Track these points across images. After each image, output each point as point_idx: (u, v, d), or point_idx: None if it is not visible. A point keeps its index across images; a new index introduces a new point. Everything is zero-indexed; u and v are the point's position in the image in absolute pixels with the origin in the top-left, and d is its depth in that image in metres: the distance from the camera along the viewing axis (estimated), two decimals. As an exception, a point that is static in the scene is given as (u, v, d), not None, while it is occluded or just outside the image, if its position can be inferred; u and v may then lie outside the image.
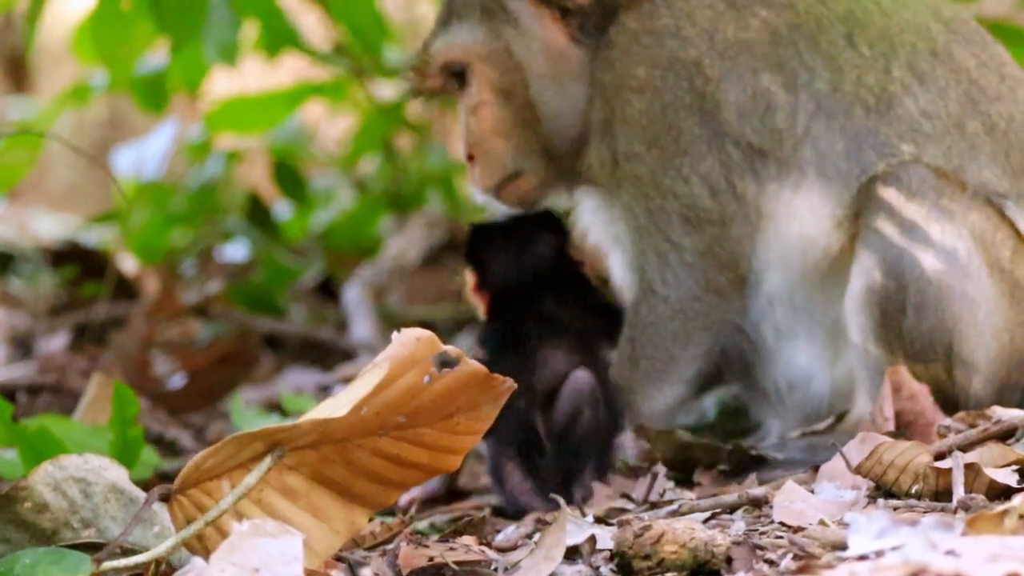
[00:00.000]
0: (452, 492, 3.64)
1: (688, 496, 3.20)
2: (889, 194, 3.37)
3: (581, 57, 3.52)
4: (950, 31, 3.51)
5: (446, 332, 5.09)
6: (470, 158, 3.58)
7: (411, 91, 3.68)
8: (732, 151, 3.44)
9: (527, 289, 3.61)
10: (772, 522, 2.87)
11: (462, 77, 3.55)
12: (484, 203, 3.66)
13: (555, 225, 3.68)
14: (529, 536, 3.02)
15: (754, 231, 3.45)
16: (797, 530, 2.79)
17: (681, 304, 3.48)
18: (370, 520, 2.79)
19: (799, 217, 3.44)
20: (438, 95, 3.65)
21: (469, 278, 3.67)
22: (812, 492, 3.00)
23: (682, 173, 3.45)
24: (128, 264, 6.63)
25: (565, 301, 3.59)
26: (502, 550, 2.90)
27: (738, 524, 2.88)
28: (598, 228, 3.60)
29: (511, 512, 3.39)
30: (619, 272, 3.59)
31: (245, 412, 4.10)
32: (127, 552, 2.57)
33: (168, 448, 4.21)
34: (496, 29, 3.51)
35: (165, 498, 2.56)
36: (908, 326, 3.36)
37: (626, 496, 3.31)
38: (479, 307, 3.68)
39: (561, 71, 3.52)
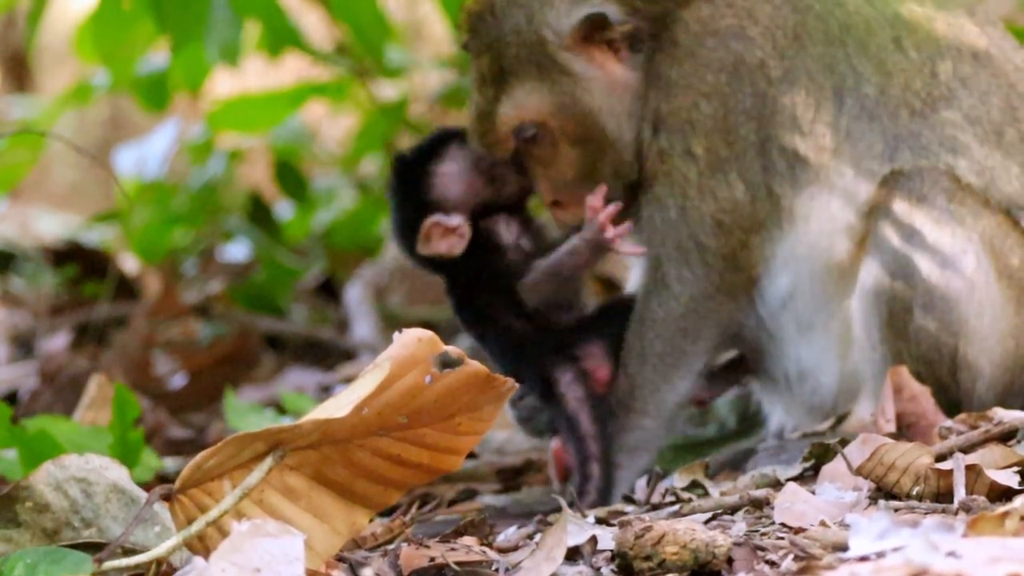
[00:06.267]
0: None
1: (689, 496, 3.20)
2: (900, 196, 3.37)
3: (635, 67, 3.48)
4: (986, 34, 3.50)
5: (447, 332, 5.08)
6: (555, 204, 3.53)
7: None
8: (777, 159, 3.43)
9: None
10: (773, 523, 2.87)
11: (532, 135, 3.49)
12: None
13: None
14: (530, 537, 3.02)
15: (781, 234, 3.45)
16: (798, 531, 2.79)
17: (694, 302, 3.47)
18: (371, 520, 2.79)
19: (829, 215, 3.43)
20: (510, 155, 3.54)
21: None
22: (813, 493, 3.00)
23: (728, 178, 3.44)
24: (129, 264, 6.64)
25: None
26: (503, 551, 2.90)
27: (739, 525, 2.88)
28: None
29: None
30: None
31: (239, 409, 4.10)
32: (128, 552, 2.57)
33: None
34: (556, 82, 3.46)
35: (166, 498, 2.56)
36: (914, 328, 3.35)
37: (627, 497, 3.31)
38: None
39: (622, 94, 3.48)
